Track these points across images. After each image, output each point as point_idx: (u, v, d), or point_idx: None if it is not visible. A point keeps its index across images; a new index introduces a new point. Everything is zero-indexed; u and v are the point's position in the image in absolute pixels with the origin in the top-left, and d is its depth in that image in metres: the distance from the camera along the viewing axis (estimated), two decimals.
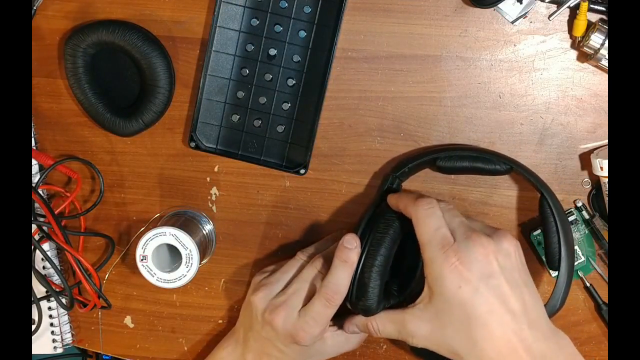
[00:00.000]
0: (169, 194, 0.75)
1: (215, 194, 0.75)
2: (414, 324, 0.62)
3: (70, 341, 0.80)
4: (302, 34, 0.70)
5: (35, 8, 0.72)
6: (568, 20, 0.68)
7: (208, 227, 0.75)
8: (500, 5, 0.67)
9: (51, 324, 0.78)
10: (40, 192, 0.73)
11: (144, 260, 0.70)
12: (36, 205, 0.73)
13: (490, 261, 0.59)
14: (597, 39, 0.65)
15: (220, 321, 0.78)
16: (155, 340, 0.79)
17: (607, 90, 0.69)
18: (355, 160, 0.73)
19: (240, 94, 0.72)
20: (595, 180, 0.71)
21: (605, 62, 0.67)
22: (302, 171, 0.72)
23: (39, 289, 0.76)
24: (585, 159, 0.71)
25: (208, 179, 0.75)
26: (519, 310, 0.58)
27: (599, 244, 0.72)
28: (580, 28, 0.66)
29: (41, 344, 0.78)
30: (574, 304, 0.73)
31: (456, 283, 0.59)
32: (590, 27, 0.66)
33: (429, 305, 0.61)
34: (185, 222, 0.73)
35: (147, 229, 0.72)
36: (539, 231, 0.71)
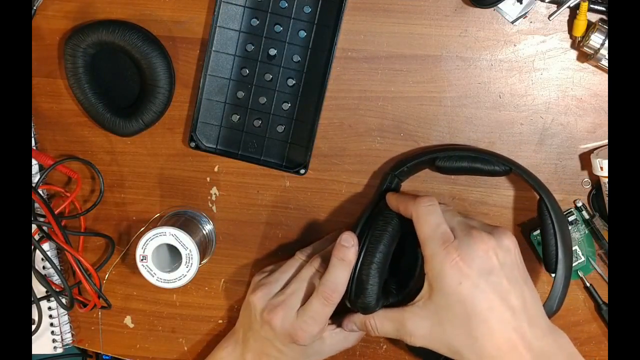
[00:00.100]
0: (169, 194, 0.75)
1: (215, 194, 0.75)
2: (413, 322, 0.62)
3: (70, 341, 0.80)
4: (302, 34, 0.70)
5: (35, 8, 0.72)
6: (568, 20, 0.68)
7: (208, 227, 0.75)
8: (500, 5, 0.67)
9: (51, 324, 0.78)
10: (40, 192, 0.73)
11: (144, 260, 0.70)
12: (36, 205, 0.73)
13: (490, 257, 0.59)
14: (597, 39, 0.65)
15: (220, 321, 0.78)
16: (155, 340, 0.79)
17: (607, 90, 0.69)
18: (355, 160, 0.73)
19: (240, 94, 0.72)
20: (595, 180, 0.71)
21: (605, 62, 0.67)
22: (302, 171, 0.72)
23: (39, 289, 0.76)
24: (585, 159, 0.71)
25: (208, 179, 0.75)
26: (519, 307, 0.58)
27: (599, 244, 0.72)
28: (580, 28, 0.66)
29: (41, 344, 0.78)
30: (574, 304, 0.73)
31: (456, 279, 0.59)
32: (590, 27, 0.66)
33: (429, 302, 0.61)
34: (185, 222, 0.73)
35: (147, 229, 0.72)
36: (538, 231, 0.71)
